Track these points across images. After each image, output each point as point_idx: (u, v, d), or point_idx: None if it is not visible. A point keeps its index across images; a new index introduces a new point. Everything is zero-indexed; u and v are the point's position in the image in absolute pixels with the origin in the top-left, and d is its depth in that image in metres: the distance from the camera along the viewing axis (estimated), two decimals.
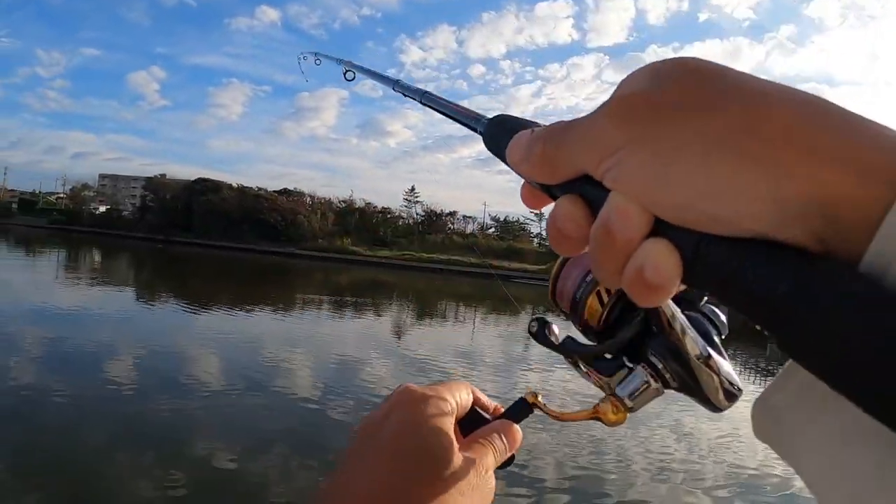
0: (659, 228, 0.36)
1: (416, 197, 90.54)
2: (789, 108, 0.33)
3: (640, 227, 0.36)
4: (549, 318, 0.71)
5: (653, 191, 0.35)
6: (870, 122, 0.32)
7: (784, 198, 0.31)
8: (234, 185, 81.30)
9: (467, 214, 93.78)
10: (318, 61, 2.35)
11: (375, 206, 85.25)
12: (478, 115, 0.67)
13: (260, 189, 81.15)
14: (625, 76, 0.40)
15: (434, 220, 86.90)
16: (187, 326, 15.92)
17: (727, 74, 0.36)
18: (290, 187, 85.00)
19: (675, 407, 9.61)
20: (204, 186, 78.56)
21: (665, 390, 0.63)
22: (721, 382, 0.57)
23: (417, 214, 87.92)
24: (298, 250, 64.91)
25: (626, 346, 0.65)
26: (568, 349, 0.69)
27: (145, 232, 74.11)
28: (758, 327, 0.32)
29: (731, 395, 0.58)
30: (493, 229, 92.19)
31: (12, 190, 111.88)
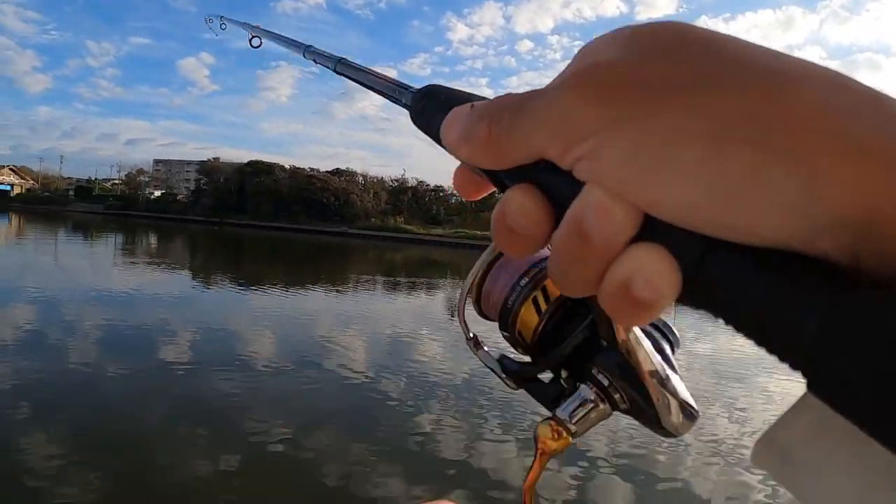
0: (650, 230, 0.29)
1: None
2: (821, 92, 0.27)
3: (625, 229, 0.30)
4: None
5: (645, 187, 0.29)
6: None
7: (815, 204, 0.25)
8: (287, 166, 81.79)
9: None
10: (223, 25, 2.17)
11: (428, 185, 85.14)
12: (403, 85, 0.59)
13: (312, 170, 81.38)
14: (586, 43, 0.35)
15: (487, 199, 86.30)
16: (242, 306, 15.94)
17: (730, 45, 0.30)
18: (342, 167, 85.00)
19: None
20: (256, 168, 79.11)
21: (613, 412, 0.56)
22: (679, 405, 0.51)
23: None
24: (351, 229, 65.05)
25: (567, 360, 0.58)
26: (505, 370, 0.62)
27: (200, 215, 75.00)
28: (774, 356, 0.27)
29: (688, 419, 0.52)
30: None
31: (69, 178, 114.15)
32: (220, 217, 72.29)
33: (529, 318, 0.60)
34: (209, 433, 6.31)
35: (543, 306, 0.59)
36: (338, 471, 5.62)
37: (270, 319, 13.75)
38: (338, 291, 20.72)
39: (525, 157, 0.34)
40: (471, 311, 0.67)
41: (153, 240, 44.90)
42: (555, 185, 0.33)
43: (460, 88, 0.46)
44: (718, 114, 0.27)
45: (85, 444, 5.75)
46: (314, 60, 1.05)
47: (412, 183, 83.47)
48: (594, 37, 0.34)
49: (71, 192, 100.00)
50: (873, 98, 0.27)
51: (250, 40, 1.68)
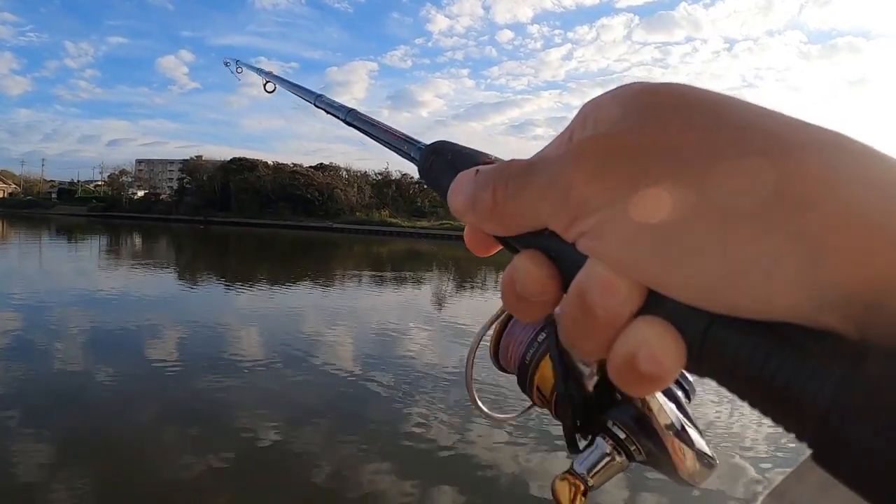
0: (654, 303, 0.29)
1: None
2: (826, 161, 0.26)
3: (629, 304, 0.30)
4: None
5: (649, 266, 0.28)
6: None
7: (821, 282, 0.24)
8: (270, 162, 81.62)
9: None
10: (239, 70, 2.24)
11: (412, 177, 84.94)
12: (412, 139, 0.60)
13: (295, 165, 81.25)
14: (587, 102, 0.34)
15: None
16: (229, 304, 15.95)
17: (736, 111, 0.29)
18: (325, 162, 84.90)
19: None
20: (240, 165, 78.95)
21: (630, 464, 0.56)
22: (696, 456, 0.50)
23: None
24: (336, 224, 64.98)
25: (582, 412, 0.56)
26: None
27: (184, 213, 74.86)
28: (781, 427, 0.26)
29: (706, 469, 0.51)
30: None
31: (51, 181, 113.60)
32: (204, 215, 72.08)
33: (548, 373, 0.59)
34: (199, 433, 6.32)
35: None
36: (329, 466, 5.64)
37: (258, 317, 13.76)
38: (324, 287, 20.71)
39: (529, 226, 0.34)
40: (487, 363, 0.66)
41: (137, 241, 44.73)
42: (562, 254, 0.33)
43: (469, 146, 0.46)
44: (723, 189, 0.27)
45: (74, 448, 5.74)
46: (325, 110, 1.07)
47: (396, 176, 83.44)
48: (597, 96, 0.34)
49: (54, 195, 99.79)
50: (878, 163, 0.26)
51: (264, 85, 1.72)
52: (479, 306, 17.25)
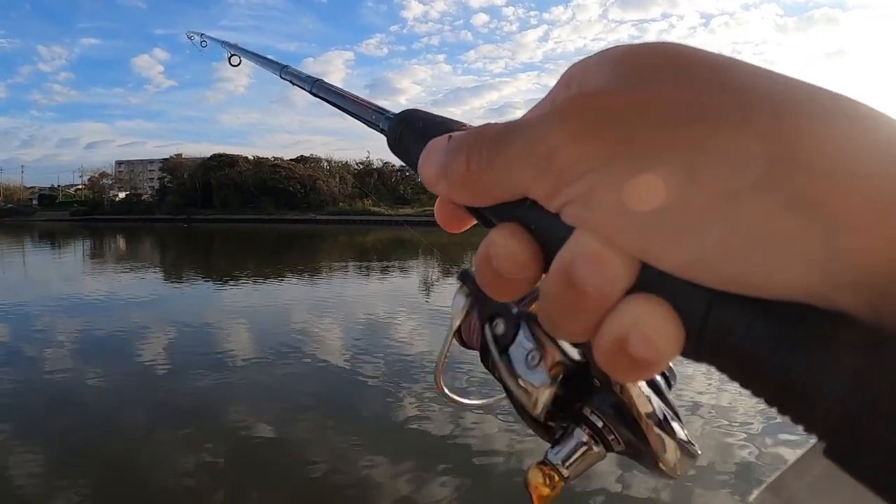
0: (649, 279, 0.26)
1: None
2: (838, 128, 0.24)
3: (621, 280, 0.27)
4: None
5: (644, 238, 0.26)
6: None
7: (837, 259, 0.22)
8: (250, 157, 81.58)
9: None
10: (204, 43, 2.22)
11: (393, 165, 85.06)
12: (380, 109, 0.57)
13: (276, 159, 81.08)
14: (571, 65, 0.31)
15: None
16: (215, 301, 15.91)
17: (736, 70, 0.27)
18: (306, 154, 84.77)
19: None
20: (220, 161, 78.96)
21: (607, 454, 0.52)
22: (677, 446, 0.47)
23: None
24: (320, 216, 65.05)
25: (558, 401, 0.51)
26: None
27: (166, 213, 74.93)
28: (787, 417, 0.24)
29: (687, 460, 0.47)
30: None
31: (31, 187, 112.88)
32: (187, 213, 72.18)
33: None
34: (192, 431, 6.32)
35: None
36: (324, 458, 5.66)
37: (245, 313, 13.72)
38: (311, 279, 20.65)
39: (507, 195, 0.31)
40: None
41: (121, 243, 44.58)
42: (543, 226, 0.30)
43: (439, 113, 0.44)
44: (727, 154, 0.24)
45: (67, 454, 5.73)
46: (291, 81, 1.08)
47: (377, 165, 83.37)
48: (580, 59, 0.31)
49: (34, 202, 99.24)
50: (888, 129, 0.24)
51: (229, 58, 1.72)
52: None
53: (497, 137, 0.31)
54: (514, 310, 0.48)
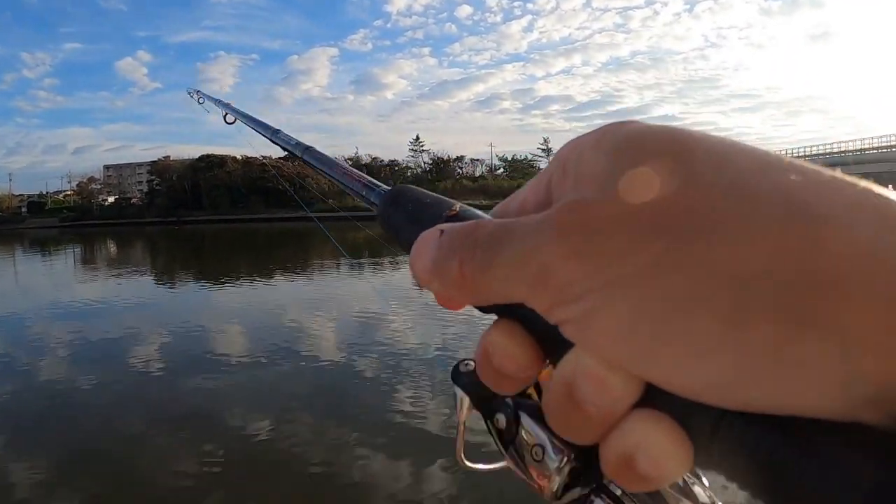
0: (655, 395, 0.26)
1: (422, 146, 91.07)
2: (863, 234, 0.22)
3: (624, 399, 0.26)
4: None
5: (648, 361, 0.25)
6: None
7: (855, 380, 0.21)
8: (239, 157, 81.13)
9: (475, 158, 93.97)
10: (200, 100, 2.27)
11: (382, 160, 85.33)
12: (370, 182, 0.56)
13: (264, 158, 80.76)
14: (567, 144, 0.31)
15: (442, 167, 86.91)
16: (208, 303, 15.94)
17: (745, 164, 0.25)
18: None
19: None
20: (209, 162, 79.01)
21: None
22: None
23: (425, 163, 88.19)
24: (310, 213, 64.81)
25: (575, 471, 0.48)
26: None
27: (156, 215, 75.05)
28: None
29: None
30: (501, 170, 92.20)
31: (20, 195, 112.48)
32: (177, 216, 72.25)
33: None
34: (189, 434, 6.34)
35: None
36: (321, 456, 5.68)
37: (238, 313, 13.72)
38: (303, 277, 20.74)
39: (502, 300, 0.30)
40: None
41: (112, 247, 44.44)
42: (542, 331, 0.29)
43: (429, 191, 0.43)
44: (737, 271, 0.23)
45: (66, 462, 5.74)
46: (281, 146, 1.07)
47: (366, 160, 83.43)
48: (577, 138, 0.30)
49: (24, 209, 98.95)
50: None
51: (224, 116, 1.73)
52: None
53: (490, 242, 0.29)
54: (510, 402, 0.48)
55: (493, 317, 0.33)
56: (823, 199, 0.23)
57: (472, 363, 0.54)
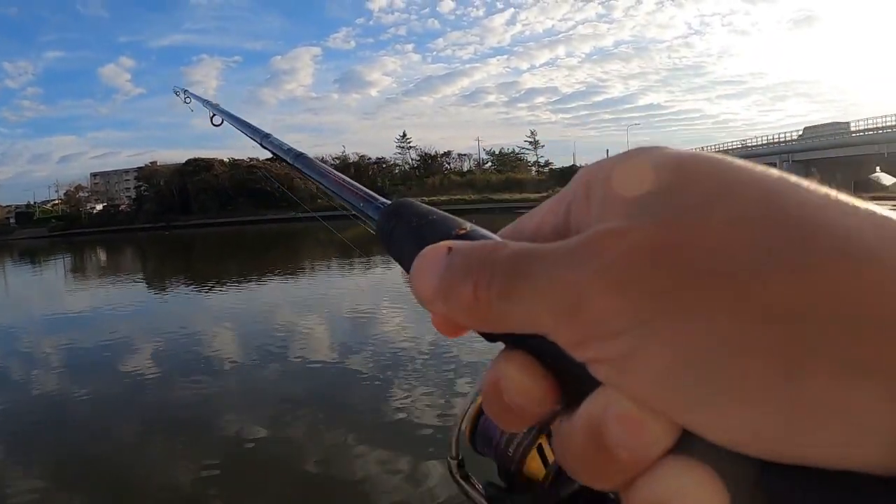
0: (691, 442, 0.23)
1: (409, 142, 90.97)
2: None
3: (659, 444, 0.24)
4: None
5: (691, 408, 0.23)
6: None
7: None
8: (226, 159, 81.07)
9: (462, 153, 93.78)
10: (187, 99, 2.22)
11: (370, 158, 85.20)
12: (369, 195, 0.53)
13: (252, 159, 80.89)
14: (591, 165, 0.29)
15: (430, 163, 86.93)
16: (200, 307, 15.95)
17: (787, 195, 0.23)
18: None
19: None
20: (196, 166, 78.63)
21: None
22: None
23: (412, 160, 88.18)
24: (299, 213, 64.89)
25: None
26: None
27: (145, 221, 74.52)
28: None
29: None
30: (489, 164, 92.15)
31: (7, 206, 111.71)
32: (166, 221, 71.89)
33: (536, 469, 0.54)
34: (185, 439, 6.34)
35: (550, 456, 0.53)
36: (317, 455, 5.69)
37: (230, 317, 13.73)
38: (294, 278, 20.74)
39: (519, 329, 0.27)
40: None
41: (102, 255, 44.36)
42: (563, 367, 0.27)
43: (433, 207, 0.40)
44: (794, 310, 0.21)
45: (63, 472, 5.74)
46: (272, 151, 1.05)
47: (353, 158, 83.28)
48: (601, 162, 0.28)
49: (12, 220, 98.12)
50: None
51: (211, 118, 1.66)
52: None
53: (511, 264, 0.27)
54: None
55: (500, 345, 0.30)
56: (880, 240, 0.22)
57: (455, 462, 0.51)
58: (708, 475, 0.23)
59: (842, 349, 0.20)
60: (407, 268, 0.34)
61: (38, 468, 5.85)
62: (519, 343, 0.28)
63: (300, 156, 0.85)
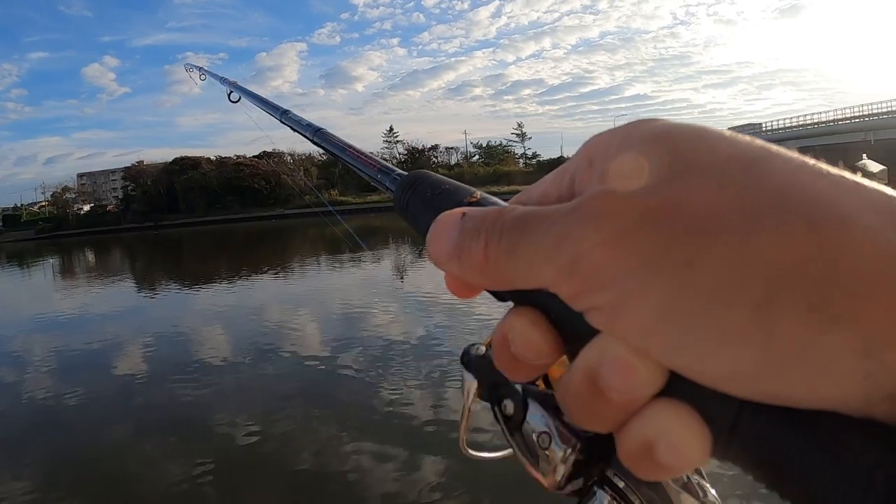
0: (677, 385, 0.26)
1: (396, 137, 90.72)
2: (885, 235, 0.23)
3: (649, 386, 0.26)
4: None
5: (677, 352, 0.25)
6: None
7: (875, 375, 0.22)
8: (213, 157, 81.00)
9: (450, 146, 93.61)
10: (203, 77, 2.23)
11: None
12: (386, 167, 0.54)
13: (239, 157, 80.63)
14: (592, 138, 0.31)
15: (417, 157, 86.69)
16: (190, 307, 15.86)
17: (771, 164, 0.26)
18: (268, 150, 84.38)
19: None
20: (183, 165, 78.42)
21: None
22: None
23: (400, 154, 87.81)
24: (287, 210, 64.78)
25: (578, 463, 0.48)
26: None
27: (133, 221, 74.51)
28: None
29: None
30: (476, 157, 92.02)
31: None
32: (154, 220, 71.86)
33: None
34: (178, 439, 6.34)
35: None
36: (310, 452, 5.70)
37: (221, 316, 13.71)
38: (284, 275, 20.68)
39: (525, 285, 0.30)
40: None
41: (90, 256, 44.26)
42: (565, 319, 0.29)
43: (446, 177, 0.43)
44: (770, 266, 0.23)
45: (57, 475, 5.73)
46: (291, 127, 1.05)
47: None
48: (602, 134, 0.31)
49: None
50: None
51: (229, 94, 1.69)
52: (440, 274, 17.22)
53: (517, 224, 0.30)
54: (519, 387, 0.46)
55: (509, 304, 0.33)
56: (849, 202, 0.24)
57: (482, 348, 0.53)
58: (692, 414, 0.25)
59: (811, 299, 0.22)
60: (423, 233, 0.37)
61: (29, 470, 5.84)
62: (526, 300, 0.31)
63: (319, 131, 0.86)
